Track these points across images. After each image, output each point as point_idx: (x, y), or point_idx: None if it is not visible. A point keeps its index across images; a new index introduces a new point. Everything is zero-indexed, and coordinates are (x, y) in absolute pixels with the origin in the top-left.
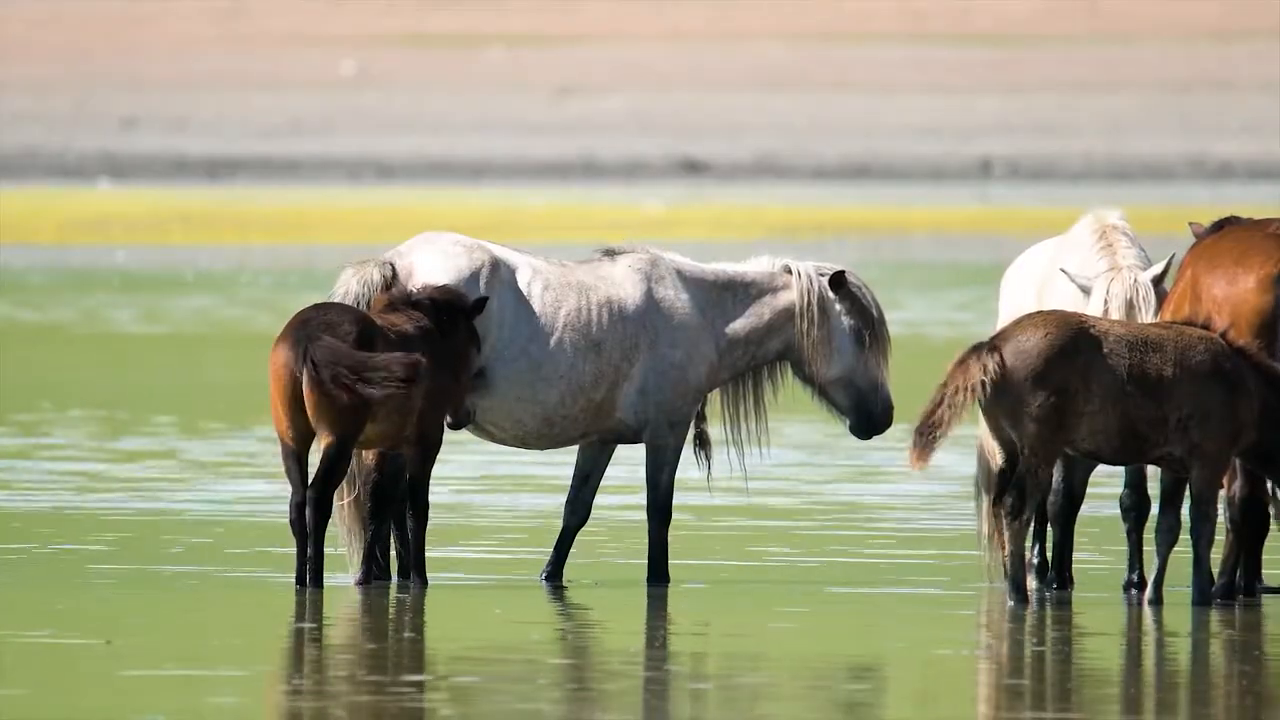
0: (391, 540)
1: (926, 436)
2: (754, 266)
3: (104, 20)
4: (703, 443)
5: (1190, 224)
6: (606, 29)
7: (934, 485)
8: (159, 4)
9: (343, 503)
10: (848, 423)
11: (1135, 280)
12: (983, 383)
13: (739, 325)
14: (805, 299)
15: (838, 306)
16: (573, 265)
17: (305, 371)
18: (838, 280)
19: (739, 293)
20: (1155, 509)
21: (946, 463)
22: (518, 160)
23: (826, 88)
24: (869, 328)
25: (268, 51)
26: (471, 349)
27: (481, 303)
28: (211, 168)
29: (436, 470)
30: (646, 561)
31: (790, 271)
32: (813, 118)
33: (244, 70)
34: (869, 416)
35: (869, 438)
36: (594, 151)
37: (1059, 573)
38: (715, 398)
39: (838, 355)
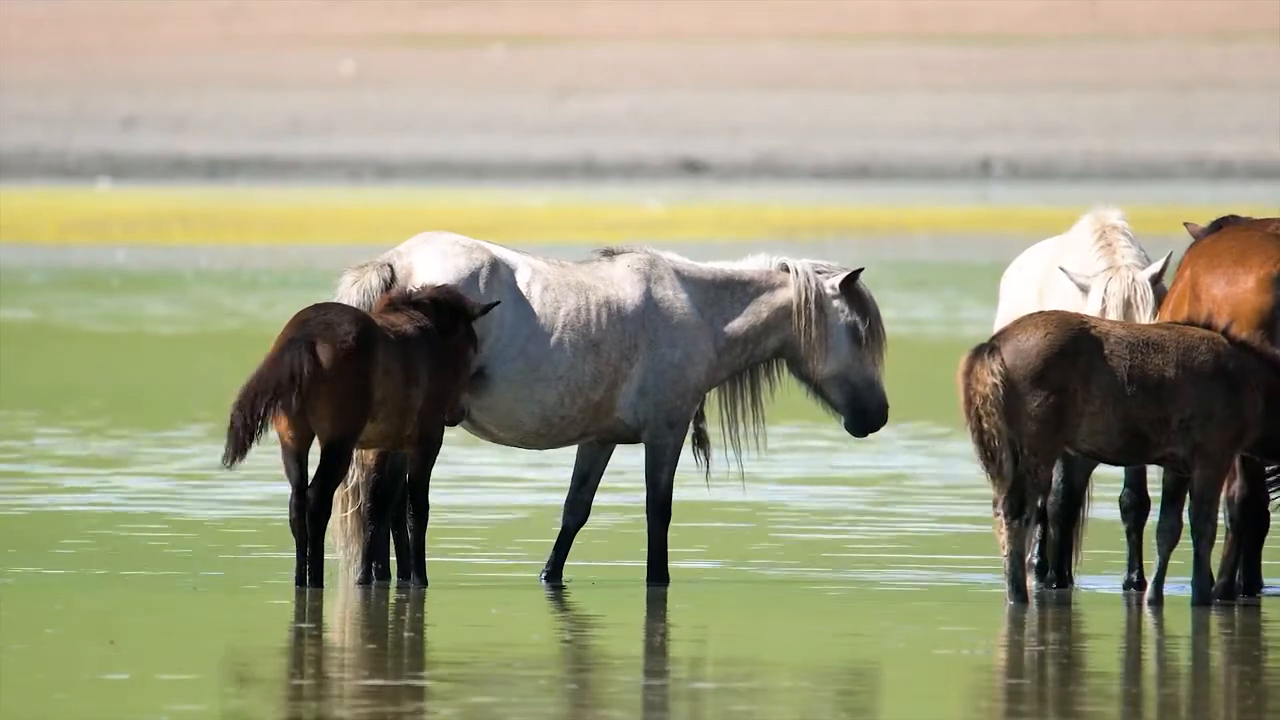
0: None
1: (993, 461)
2: (751, 265)
3: (104, 20)
4: (701, 442)
5: (1186, 224)
6: (606, 29)
7: (933, 486)
8: (159, 4)
9: (344, 515)
10: (843, 420)
11: (1133, 279)
12: (995, 385)
13: (737, 324)
14: (802, 296)
15: (836, 304)
16: (571, 265)
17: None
18: (851, 279)
19: (736, 291)
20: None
21: (946, 465)
22: (518, 160)
23: (826, 88)
24: (866, 326)
25: (268, 51)
26: (469, 349)
27: (489, 308)
28: (211, 168)
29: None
30: (646, 561)
31: (787, 269)
32: (813, 118)
33: (244, 70)
34: (864, 414)
35: (864, 435)
36: (594, 151)
37: (1059, 573)
38: (713, 397)
39: (833, 353)
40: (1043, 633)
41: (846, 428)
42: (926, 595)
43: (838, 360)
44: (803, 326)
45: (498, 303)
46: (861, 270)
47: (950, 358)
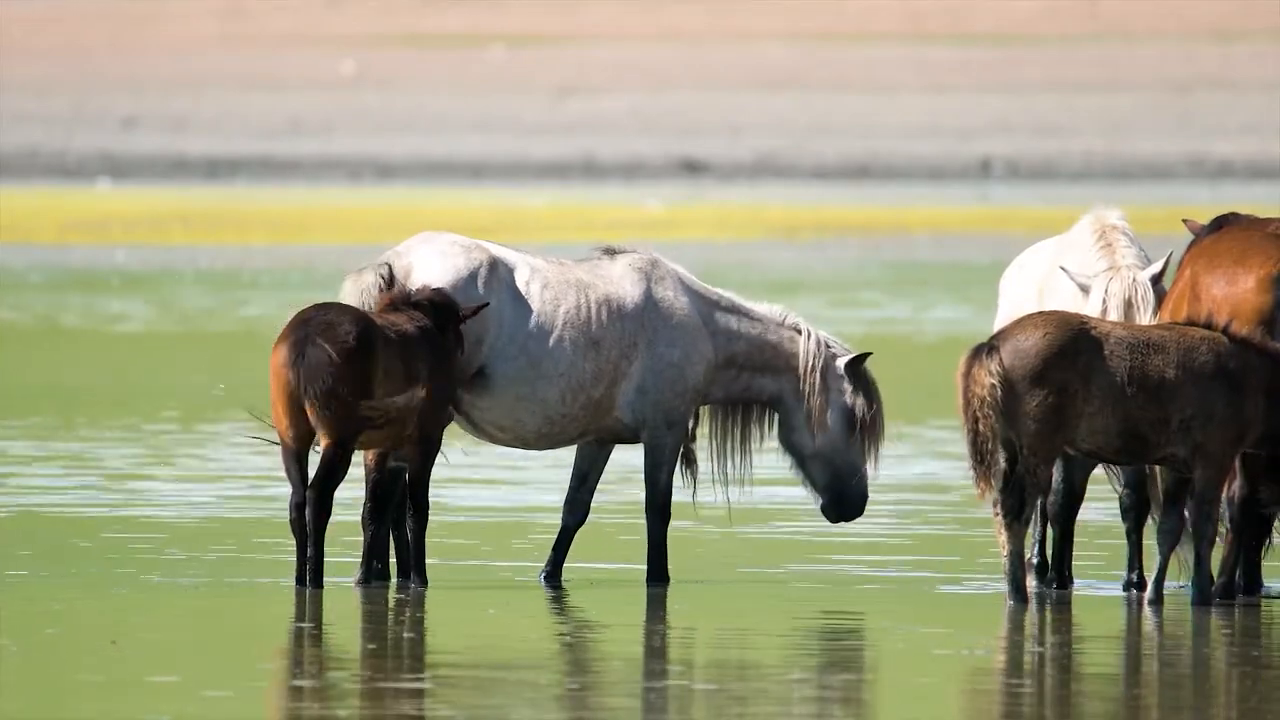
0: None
1: (983, 462)
2: (764, 307)
3: (104, 20)
4: (689, 461)
5: (1185, 221)
6: (606, 29)
7: (930, 488)
8: (159, 4)
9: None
10: (819, 502)
11: (1134, 279)
12: (993, 386)
13: (739, 344)
14: (809, 363)
15: (846, 385)
16: (571, 264)
17: (291, 378)
18: (857, 361)
19: (742, 320)
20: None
21: (943, 468)
22: (518, 160)
23: (826, 88)
24: (869, 413)
25: (268, 51)
26: (459, 351)
27: (479, 309)
28: (211, 168)
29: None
30: (646, 561)
31: (800, 331)
32: (813, 118)
33: (244, 70)
34: (841, 500)
35: (836, 521)
36: (594, 151)
37: (1059, 572)
38: (704, 429)
39: (825, 432)
40: (1042, 633)
41: (822, 509)
42: (925, 596)
43: (827, 439)
44: (805, 392)
45: (487, 304)
46: (869, 355)
47: (946, 358)
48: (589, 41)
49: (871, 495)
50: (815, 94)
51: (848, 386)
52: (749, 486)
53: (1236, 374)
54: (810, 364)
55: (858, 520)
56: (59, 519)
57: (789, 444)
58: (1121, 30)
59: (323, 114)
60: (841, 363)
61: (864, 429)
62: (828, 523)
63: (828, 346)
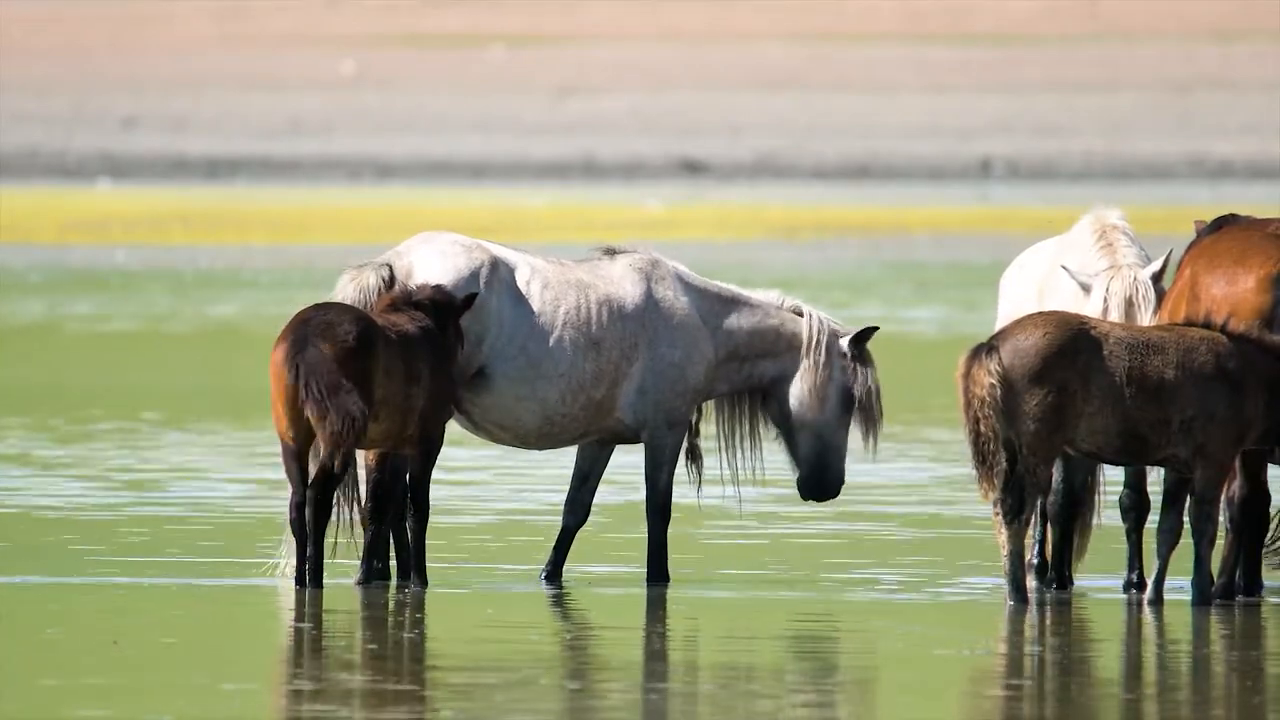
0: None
1: (985, 462)
2: (761, 294)
3: (104, 20)
4: (694, 456)
5: (1196, 222)
6: (606, 29)
7: (929, 485)
8: (159, 4)
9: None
10: (798, 475)
11: (1135, 278)
12: (992, 385)
13: (739, 338)
14: (813, 339)
15: (848, 362)
16: (571, 264)
17: (290, 375)
18: (862, 338)
19: (743, 311)
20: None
21: (941, 468)
22: (518, 160)
23: (826, 88)
24: (864, 395)
25: (268, 51)
26: (460, 346)
27: (470, 298)
28: (211, 168)
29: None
30: (646, 560)
31: (800, 313)
32: (813, 118)
33: (244, 70)
34: (822, 478)
35: (809, 499)
36: (594, 151)
37: (1058, 573)
38: (710, 423)
39: (822, 408)
40: (1042, 634)
41: (798, 483)
42: (925, 596)
43: (821, 415)
44: (807, 368)
45: (476, 294)
46: (876, 329)
47: (945, 357)
48: (589, 41)
49: (872, 496)
50: (815, 94)
51: (850, 364)
52: (759, 485)
53: (1236, 373)
54: (814, 340)
55: (858, 520)
56: (59, 519)
57: (777, 415)
58: (1121, 30)
59: (323, 114)
60: (845, 340)
61: (862, 409)
62: (805, 504)
63: (829, 325)
